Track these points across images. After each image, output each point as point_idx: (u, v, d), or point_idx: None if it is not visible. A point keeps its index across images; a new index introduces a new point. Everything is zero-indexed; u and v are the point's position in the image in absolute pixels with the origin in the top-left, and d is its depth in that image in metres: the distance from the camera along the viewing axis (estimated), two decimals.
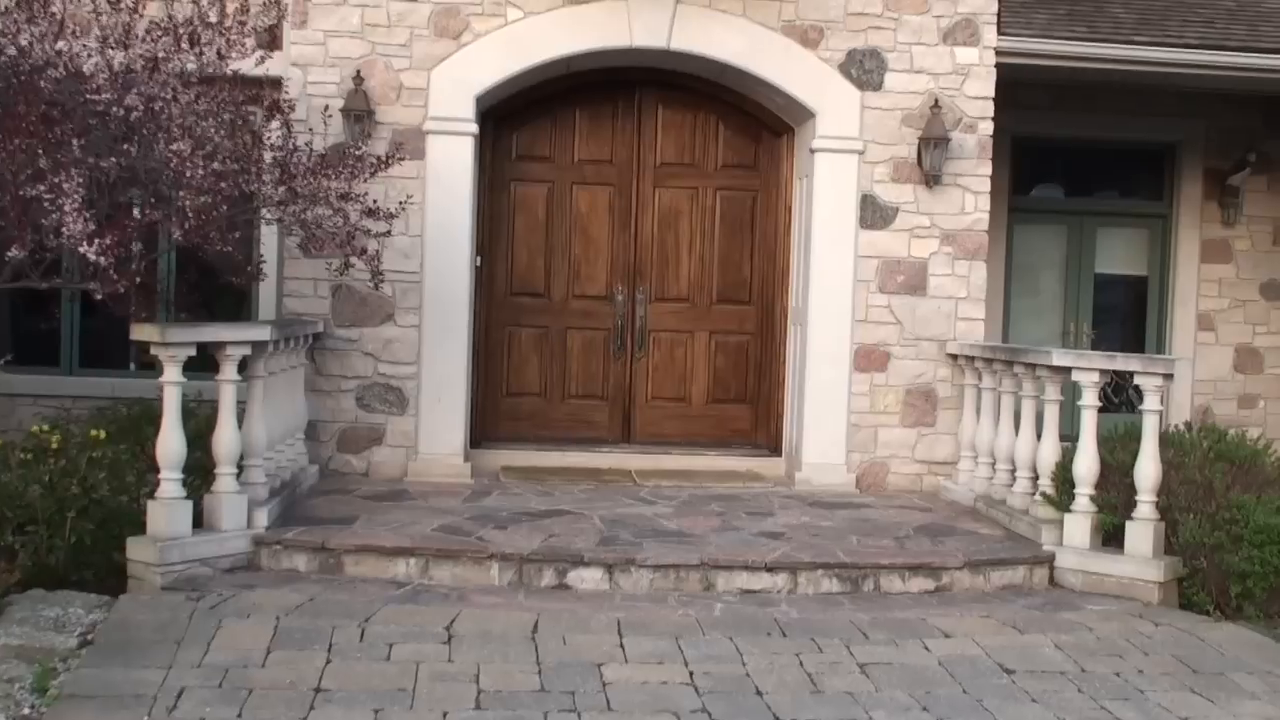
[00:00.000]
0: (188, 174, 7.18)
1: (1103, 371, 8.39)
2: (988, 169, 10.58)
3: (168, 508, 7.62)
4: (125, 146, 7.29)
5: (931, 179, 10.44)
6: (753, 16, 10.33)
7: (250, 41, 8.15)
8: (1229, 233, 13.09)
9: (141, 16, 7.65)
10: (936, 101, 10.40)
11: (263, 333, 8.06)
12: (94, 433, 7.94)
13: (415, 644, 6.61)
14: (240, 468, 8.18)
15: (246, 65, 8.40)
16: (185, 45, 7.67)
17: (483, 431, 11.08)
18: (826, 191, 10.49)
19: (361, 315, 10.21)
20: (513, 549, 7.91)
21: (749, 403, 11.42)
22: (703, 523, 8.91)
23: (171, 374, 7.61)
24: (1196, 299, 13.11)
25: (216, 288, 10.38)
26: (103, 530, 7.73)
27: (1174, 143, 13.11)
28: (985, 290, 10.69)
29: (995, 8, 10.54)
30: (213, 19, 7.84)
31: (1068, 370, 8.54)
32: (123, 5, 7.54)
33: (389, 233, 9.24)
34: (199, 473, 8.06)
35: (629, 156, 11.24)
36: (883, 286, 10.54)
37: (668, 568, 7.84)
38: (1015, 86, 10.91)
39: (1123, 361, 8.51)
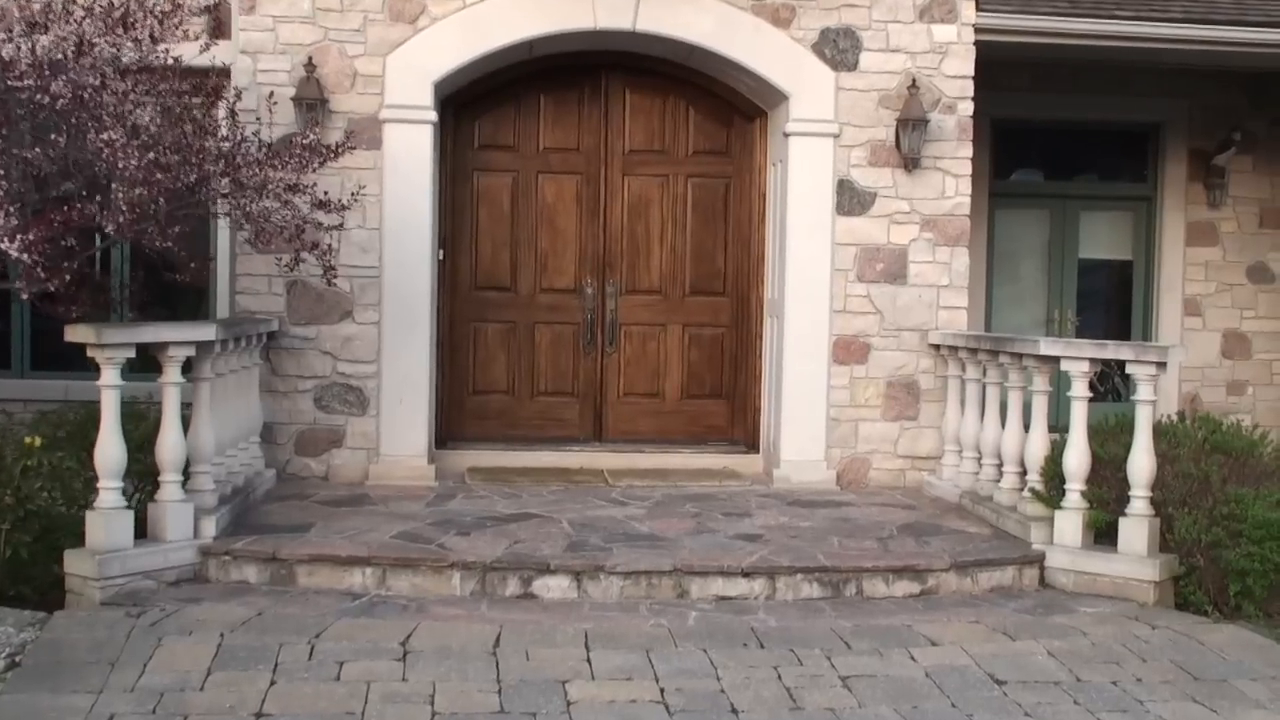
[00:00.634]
0: (120, 165, 6.74)
1: (1093, 361, 8.00)
2: (969, 151, 10.19)
3: (106, 518, 7.20)
4: (54, 137, 6.83)
5: (910, 162, 10.05)
6: None
7: (186, 26, 7.68)
8: (1215, 215, 12.75)
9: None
10: (914, 81, 10.01)
11: (207, 332, 7.62)
12: (28, 440, 7.48)
13: (368, 662, 6.19)
14: (187, 474, 7.79)
15: (190, 53, 8.00)
16: (118, 29, 7.21)
17: (448, 431, 10.67)
18: (802, 177, 10.09)
19: (318, 312, 9.78)
20: (475, 557, 7.50)
21: (724, 398, 11.02)
22: (677, 525, 8.51)
23: (109, 377, 7.19)
24: (1183, 283, 12.79)
25: (175, 286, 9.99)
26: (42, 542, 7.33)
27: (1158, 123, 12.77)
28: (968, 278, 10.30)
29: None
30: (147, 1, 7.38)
31: (1056, 360, 8.16)
32: None
33: (341, 225, 8.84)
34: (149, 479, 7.67)
35: (596, 144, 10.83)
36: (861, 275, 10.15)
37: (639, 574, 7.43)
38: (994, 67, 10.51)
39: (1114, 350, 8.11)
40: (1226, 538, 7.51)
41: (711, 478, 10.20)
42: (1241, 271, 12.76)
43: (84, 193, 7.03)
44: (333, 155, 8.24)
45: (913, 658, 6.45)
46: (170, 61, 7.75)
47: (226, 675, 5.98)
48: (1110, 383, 11.81)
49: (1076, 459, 7.94)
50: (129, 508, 7.35)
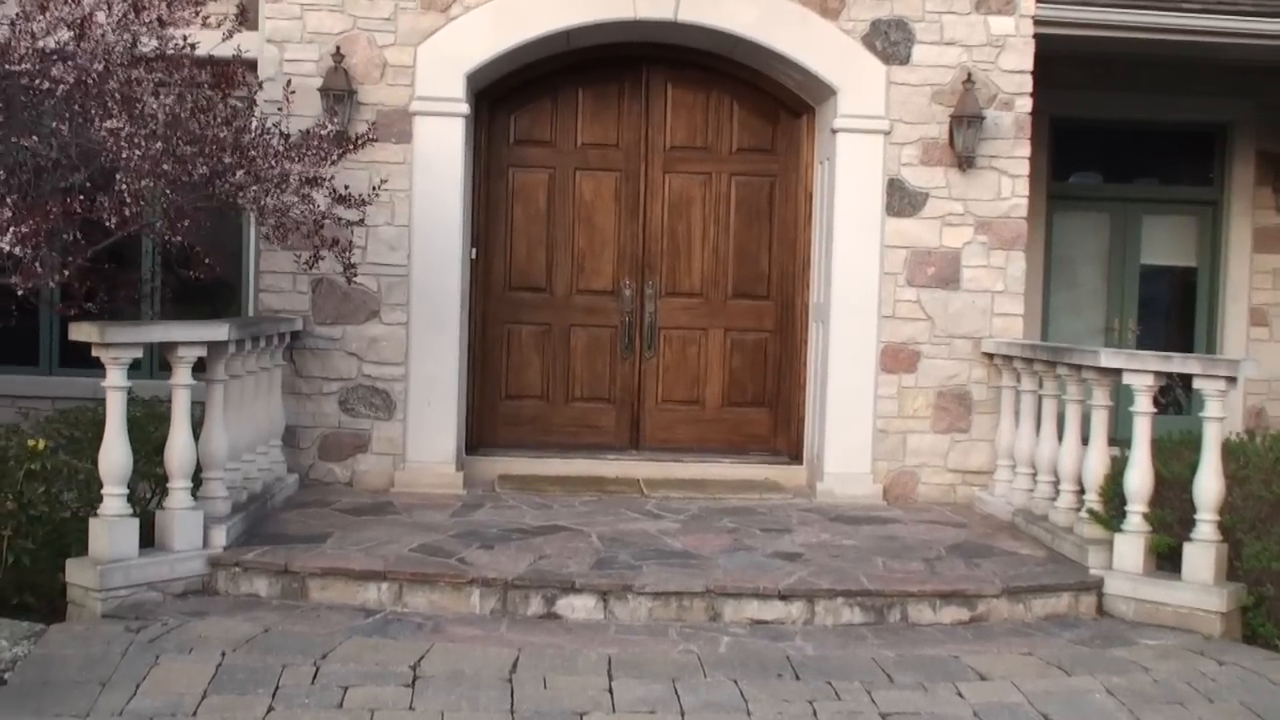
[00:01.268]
0: (125, 155, 6.37)
1: (1158, 374, 7.49)
2: (1026, 150, 9.69)
3: (110, 526, 6.86)
4: (55, 125, 6.48)
5: (965, 161, 9.56)
6: None
7: (206, 13, 7.31)
8: None
9: None
10: (969, 76, 9.52)
11: (219, 332, 7.25)
12: (31, 442, 7.14)
13: (374, 687, 5.79)
14: (200, 480, 7.44)
15: (212, 41, 7.64)
16: (130, 13, 6.85)
17: (479, 437, 10.28)
18: (850, 175, 9.62)
19: (344, 312, 9.41)
20: (496, 573, 7.09)
21: (767, 406, 10.56)
22: (712, 541, 8.07)
23: (114, 378, 6.84)
24: (1249, 291, 12.28)
25: (209, 283, 9.68)
26: (50, 549, 7.02)
27: (1224, 123, 12.25)
28: (1024, 283, 9.79)
29: None
30: None
31: (1117, 372, 7.66)
32: None
33: (362, 221, 8.48)
34: (166, 484, 7.31)
35: (636, 140, 10.40)
36: (911, 279, 9.66)
37: (669, 595, 7.00)
38: (1053, 62, 9.99)
39: (1180, 363, 7.59)
40: None
41: (752, 490, 9.76)
42: None
43: (87, 184, 6.67)
44: (353, 147, 7.87)
45: (960, 694, 5.98)
46: (186, 50, 7.40)
47: (222, 699, 5.60)
48: (1171, 395, 11.31)
49: (1139, 479, 7.44)
50: (135, 514, 7.01)
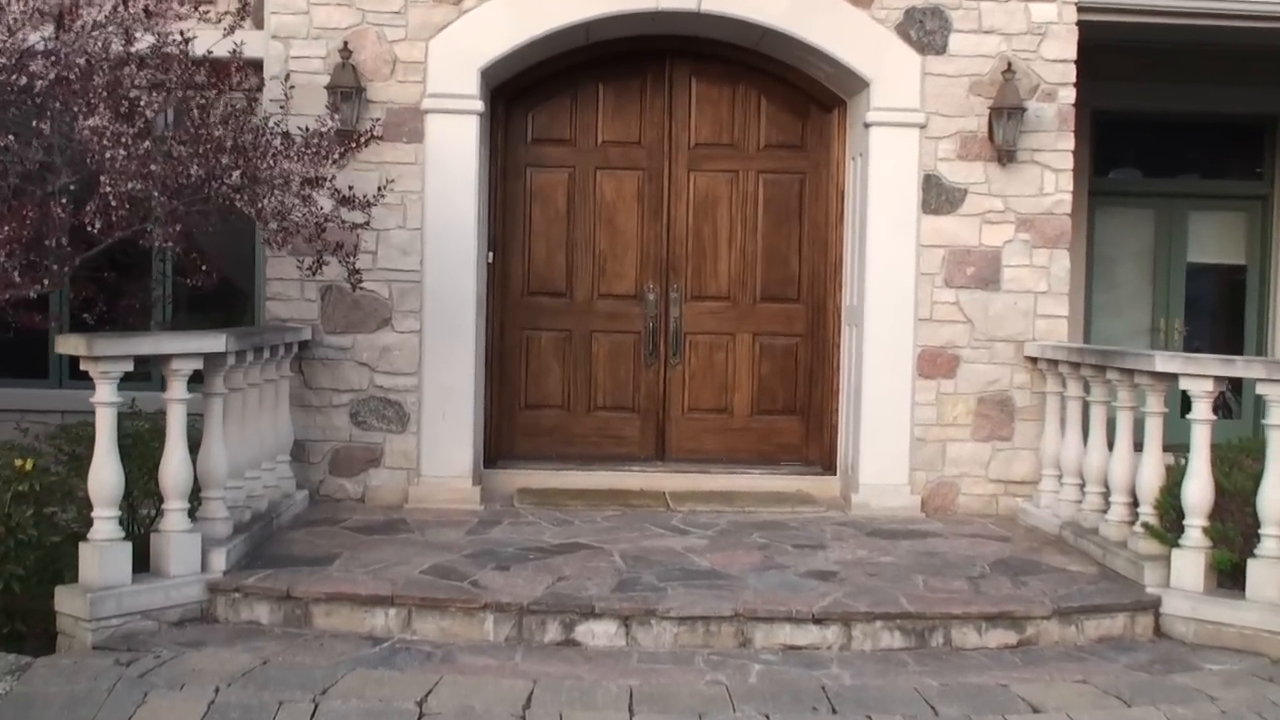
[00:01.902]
0: (109, 155, 5.96)
1: (1218, 379, 7.00)
2: (1069, 143, 9.19)
3: (100, 551, 6.46)
4: (36, 124, 6.07)
5: (1005, 155, 9.07)
6: None
7: (199, 4, 6.90)
8: None
9: None
10: (1009, 65, 9.03)
11: (215, 343, 6.83)
12: (19, 462, 6.73)
13: None
14: (199, 500, 7.04)
15: (211, 38, 7.27)
16: (120, 4, 6.45)
17: (498, 449, 9.85)
18: (884, 171, 9.15)
19: (355, 320, 9.00)
20: (511, 597, 6.65)
21: (799, 414, 10.10)
22: (742, 559, 7.62)
23: (104, 393, 6.45)
24: None
25: (226, 290, 9.32)
26: (42, 575, 6.66)
27: (1276, 115, 11.70)
28: (1068, 283, 9.29)
29: None
30: None
31: (1173, 377, 7.17)
32: None
33: (368, 223, 8.07)
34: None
35: (660, 137, 9.96)
36: (950, 280, 9.18)
37: (696, 620, 6.55)
38: (1096, 53, 9.49)
39: (1243, 366, 7.10)
40: None
41: (783, 503, 9.29)
42: None
43: (71, 187, 6.26)
44: (355, 145, 7.47)
45: None
46: (181, 45, 7.01)
47: None
48: (1221, 398, 10.79)
49: (1198, 490, 6.96)
50: (128, 538, 6.62)
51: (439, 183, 8.96)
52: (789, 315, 10.05)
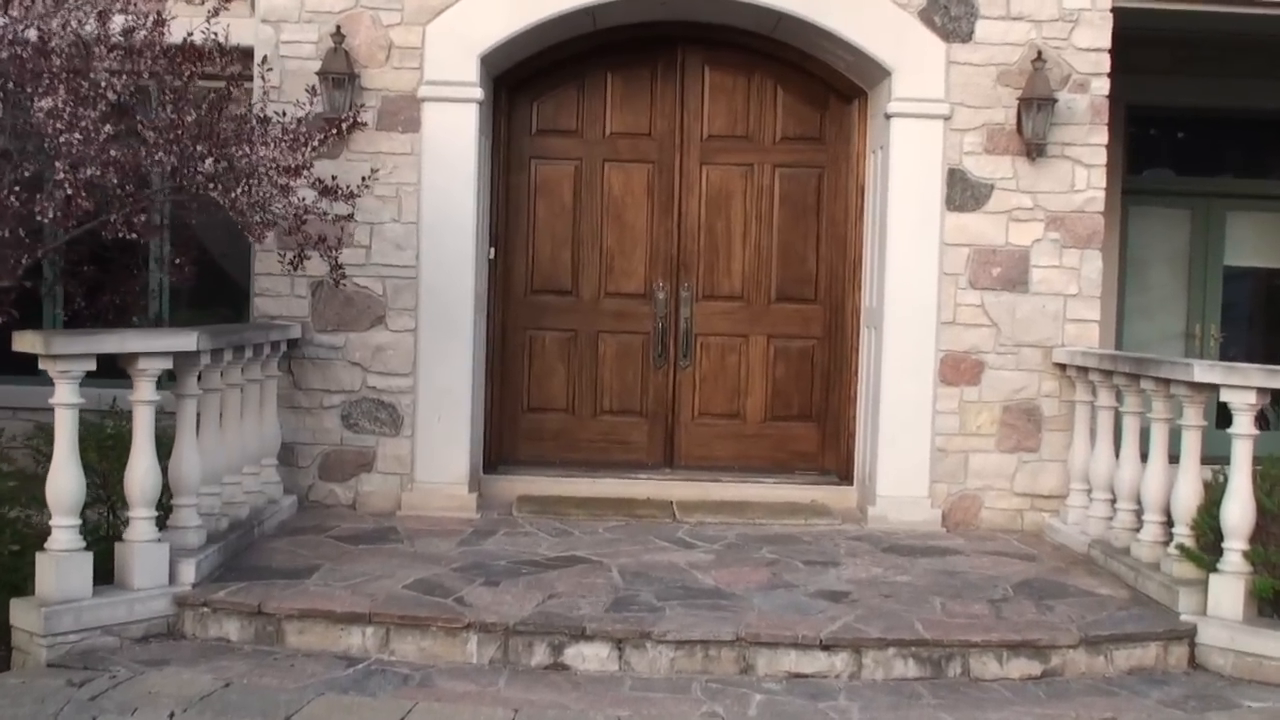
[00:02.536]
0: (64, 139, 5.53)
1: (1261, 391, 6.49)
2: (1102, 136, 8.68)
3: (58, 562, 6.06)
4: None
5: (1034, 149, 8.57)
6: None
7: None
8: None
9: None
10: (1039, 54, 8.52)
11: (186, 341, 6.40)
12: None
13: None
14: (170, 508, 6.64)
15: (196, 21, 6.86)
16: None
17: (499, 454, 9.41)
18: (906, 165, 8.66)
19: (347, 318, 8.57)
20: (497, 616, 6.20)
21: (814, 420, 9.62)
22: (748, 576, 7.15)
23: (64, 394, 6.04)
24: None
25: (228, 284, 8.94)
26: (1, 585, 6.24)
27: None
28: (1100, 285, 8.79)
29: None
30: None
31: (1213, 388, 6.66)
32: None
33: (351, 215, 7.63)
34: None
35: (670, 128, 9.50)
36: (974, 281, 8.69)
37: (694, 644, 6.09)
38: (1130, 45, 8.97)
39: None
40: None
41: (796, 514, 8.81)
42: None
43: (26, 174, 5.84)
44: (336, 132, 7.02)
45: None
46: (159, 28, 6.61)
47: None
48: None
49: (1239, 511, 6.46)
50: (88, 548, 6.19)
51: (436, 175, 8.53)
52: (805, 316, 9.58)
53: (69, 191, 5.62)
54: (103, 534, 6.68)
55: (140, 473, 6.33)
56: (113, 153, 5.71)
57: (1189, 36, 9.89)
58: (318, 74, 8.29)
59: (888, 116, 8.70)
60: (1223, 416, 6.87)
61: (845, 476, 9.40)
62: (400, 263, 8.54)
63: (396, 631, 6.18)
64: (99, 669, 5.79)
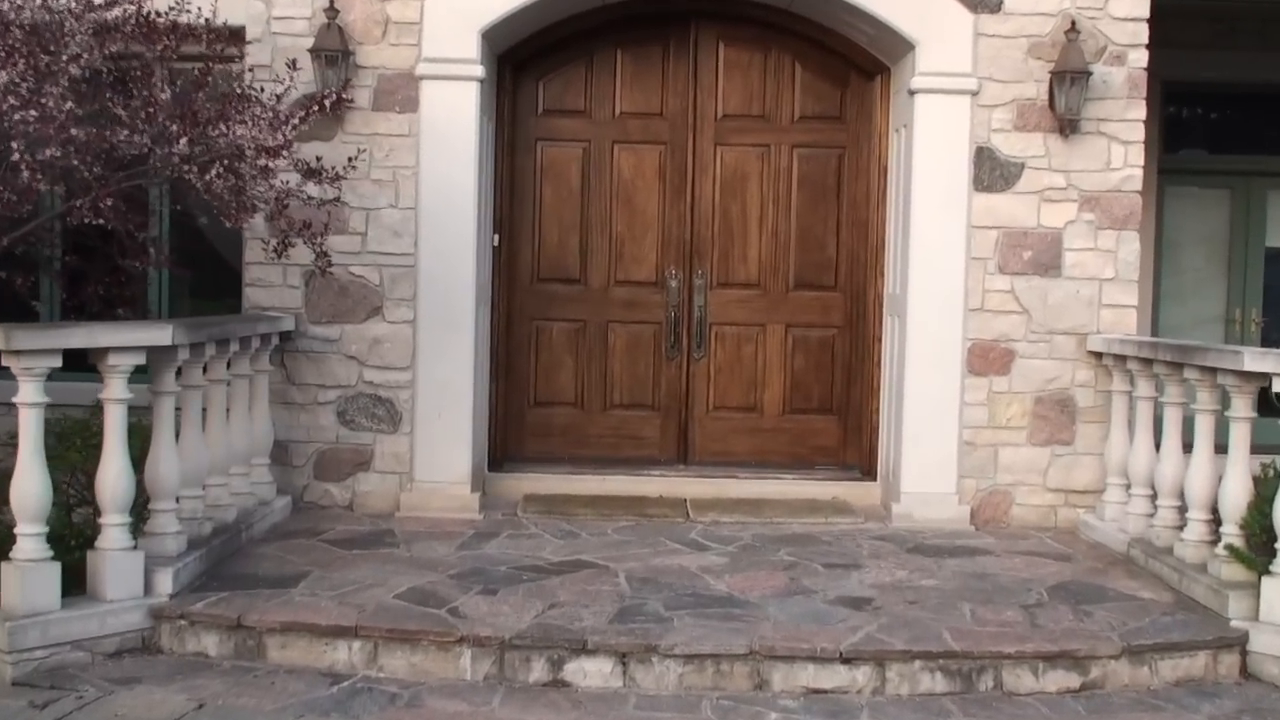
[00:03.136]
0: (18, 116, 5.11)
1: None
2: (1141, 111, 8.20)
3: (24, 573, 5.67)
4: None
5: (1067, 125, 8.09)
6: None
7: None
8: None
9: None
10: (1073, 24, 8.04)
11: (160, 335, 5.98)
12: None
13: None
14: (150, 513, 6.25)
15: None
16: None
17: (504, 450, 8.99)
18: (931, 144, 8.20)
19: (342, 309, 8.16)
20: (493, 629, 5.78)
21: (835, 413, 9.16)
22: (764, 581, 6.71)
23: (28, 392, 5.68)
24: None
25: (231, 280, 8.52)
26: None
27: None
28: (1138, 269, 8.31)
29: None
30: None
31: (1265, 377, 6.18)
32: None
33: (338, 200, 7.21)
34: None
35: (683, 108, 9.05)
36: (1004, 265, 8.22)
37: (704, 658, 5.65)
38: (1166, 18, 8.49)
39: None
40: None
41: (816, 512, 8.37)
42: None
43: None
44: (320, 109, 6.58)
45: None
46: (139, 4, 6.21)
47: None
48: None
49: None
50: (72, 554, 5.83)
51: (436, 157, 8.11)
52: (825, 304, 9.12)
53: (25, 174, 5.21)
54: (88, 537, 6.26)
55: (112, 476, 5.93)
56: (74, 131, 5.29)
57: (1228, 9, 9.41)
58: (310, 51, 7.88)
59: (911, 93, 8.23)
60: (1261, 405, 6.43)
61: (868, 472, 8.95)
62: (398, 250, 8.13)
63: (385, 646, 5.76)
64: (66, 688, 5.41)
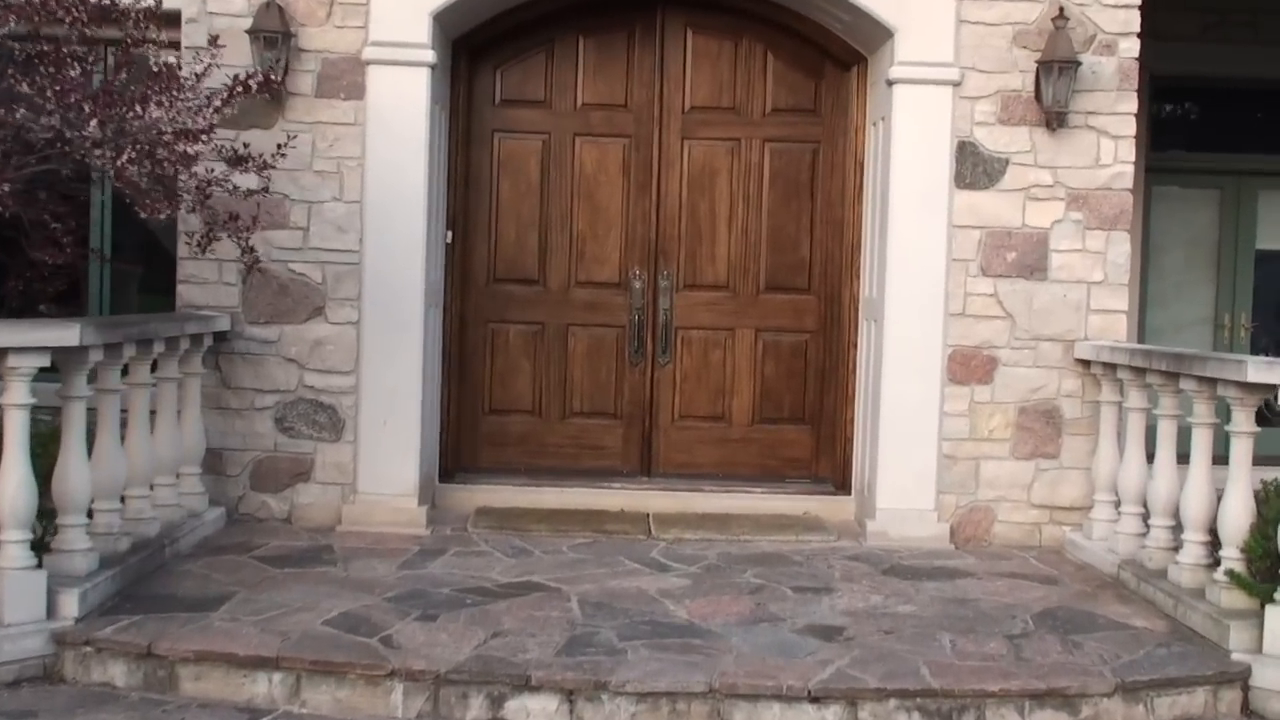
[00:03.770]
0: None
1: None
2: (1132, 104, 7.77)
3: None
4: None
5: (1054, 119, 7.64)
6: None
7: None
8: None
9: None
10: (1061, 11, 7.59)
11: (68, 334, 5.45)
12: None
13: None
14: (57, 528, 5.72)
15: None
16: None
17: (456, 460, 8.49)
18: (910, 138, 7.74)
19: (282, 308, 7.66)
20: (427, 662, 5.26)
21: (807, 423, 8.69)
22: (728, 606, 6.21)
23: None
24: None
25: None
26: None
27: None
28: (1128, 271, 7.87)
29: None
30: None
31: (1270, 389, 5.72)
32: None
33: (267, 189, 6.71)
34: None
35: (649, 99, 8.57)
36: (987, 267, 7.77)
37: (659, 696, 5.14)
38: (1155, 10, 8.09)
39: None
40: None
41: (786, 529, 7.88)
42: None
43: None
44: (243, 89, 6.04)
45: None
46: None
47: None
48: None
49: None
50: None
51: (383, 147, 7.62)
52: (797, 308, 8.65)
53: None
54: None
55: (11, 488, 5.42)
56: None
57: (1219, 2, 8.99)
58: (248, 32, 7.38)
59: (890, 83, 7.77)
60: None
61: (841, 486, 8.48)
62: (342, 246, 7.63)
63: (308, 679, 5.25)
64: None
